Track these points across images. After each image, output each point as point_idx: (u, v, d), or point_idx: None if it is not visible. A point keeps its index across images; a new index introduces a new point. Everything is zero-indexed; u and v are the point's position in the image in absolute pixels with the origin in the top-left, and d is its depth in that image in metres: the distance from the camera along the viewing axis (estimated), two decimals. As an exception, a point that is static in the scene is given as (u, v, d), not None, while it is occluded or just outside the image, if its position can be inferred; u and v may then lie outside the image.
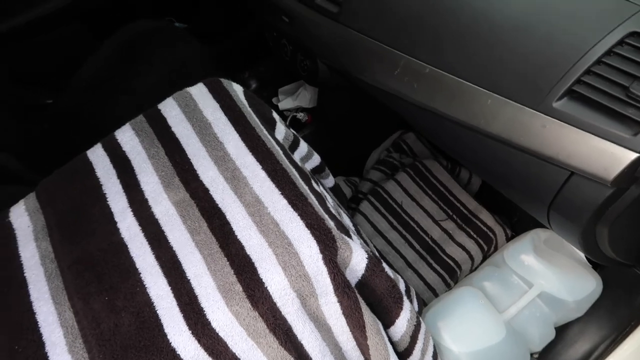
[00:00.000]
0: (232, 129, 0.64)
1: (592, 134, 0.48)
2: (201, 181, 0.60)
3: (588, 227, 0.54)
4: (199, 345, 0.48)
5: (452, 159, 1.08)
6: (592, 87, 0.49)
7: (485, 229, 0.96)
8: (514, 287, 0.75)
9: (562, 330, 0.75)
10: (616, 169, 0.46)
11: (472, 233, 0.96)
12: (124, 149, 0.67)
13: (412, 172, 1.03)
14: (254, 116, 0.67)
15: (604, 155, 0.47)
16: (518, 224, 1.00)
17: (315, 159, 0.83)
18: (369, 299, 0.56)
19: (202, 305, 0.50)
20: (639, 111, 0.46)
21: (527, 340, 0.73)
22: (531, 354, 0.74)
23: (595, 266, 0.77)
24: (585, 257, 0.78)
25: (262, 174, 0.58)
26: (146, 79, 1.08)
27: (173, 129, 0.66)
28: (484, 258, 0.95)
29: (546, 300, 0.73)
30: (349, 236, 0.57)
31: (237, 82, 0.73)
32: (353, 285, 0.54)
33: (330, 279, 0.51)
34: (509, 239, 0.96)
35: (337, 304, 0.52)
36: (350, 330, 0.54)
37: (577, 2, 0.56)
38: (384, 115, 1.12)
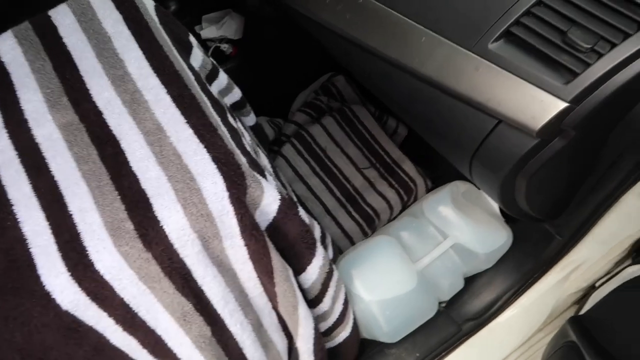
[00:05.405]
0: (136, 45, 0.55)
1: (525, 80, 0.46)
2: (94, 102, 0.51)
3: (508, 178, 0.53)
4: (79, 289, 0.42)
5: (381, 106, 1.05)
6: (530, 29, 0.46)
7: (406, 179, 0.95)
8: (429, 237, 0.74)
9: (470, 281, 0.76)
10: (544, 117, 0.44)
11: (393, 183, 0.94)
12: (2, 60, 0.57)
13: (339, 117, 0.99)
14: (164, 34, 0.59)
15: (534, 103, 0.45)
16: (440, 176, 0.99)
17: (236, 94, 0.76)
18: (280, 244, 0.52)
19: (85, 244, 0.43)
20: (572, 58, 0.44)
21: (437, 289, 0.73)
22: (439, 303, 0.75)
23: (508, 220, 0.79)
24: (500, 210, 0.79)
25: (167, 99, 0.50)
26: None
27: (64, 40, 0.57)
28: (404, 208, 0.95)
29: (458, 252, 0.73)
30: (263, 176, 0.52)
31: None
32: (263, 228, 0.50)
33: (237, 220, 0.46)
34: (429, 190, 0.96)
35: (244, 248, 0.47)
36: (258, 276, 0.50)
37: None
38: (314, 55, 1.06)
